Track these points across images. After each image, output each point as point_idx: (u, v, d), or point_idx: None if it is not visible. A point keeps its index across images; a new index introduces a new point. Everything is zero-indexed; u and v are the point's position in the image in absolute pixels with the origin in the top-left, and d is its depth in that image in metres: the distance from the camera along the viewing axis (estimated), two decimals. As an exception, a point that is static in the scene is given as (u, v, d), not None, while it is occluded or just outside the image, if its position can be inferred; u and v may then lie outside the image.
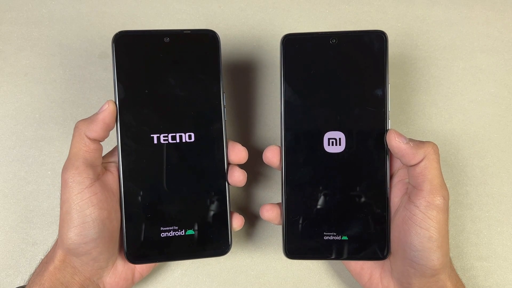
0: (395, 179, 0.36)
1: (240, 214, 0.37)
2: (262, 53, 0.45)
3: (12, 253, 0.42)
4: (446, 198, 0.32)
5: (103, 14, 0.45)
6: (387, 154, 0.35)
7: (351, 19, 0.45)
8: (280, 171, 0.36)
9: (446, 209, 0.32)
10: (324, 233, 0.36)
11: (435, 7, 0.46)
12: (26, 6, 0.45)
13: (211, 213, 0.36)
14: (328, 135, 0.35)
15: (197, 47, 0.35)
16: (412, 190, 0.33)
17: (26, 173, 0.43)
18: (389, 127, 0.35)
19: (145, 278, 0.41)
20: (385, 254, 0.36)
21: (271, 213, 0.36)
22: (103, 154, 0.37)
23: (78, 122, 0.34)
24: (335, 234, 0.36)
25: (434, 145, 0.33)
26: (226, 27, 0.45)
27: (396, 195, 0.35)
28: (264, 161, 0.36)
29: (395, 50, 0.45)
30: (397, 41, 0.45)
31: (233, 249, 0.42)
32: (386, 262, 0.36)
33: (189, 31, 0.35)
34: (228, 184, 0.36)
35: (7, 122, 0.43)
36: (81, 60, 0.44)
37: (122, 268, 0.36)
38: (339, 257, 0.36)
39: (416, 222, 0.32)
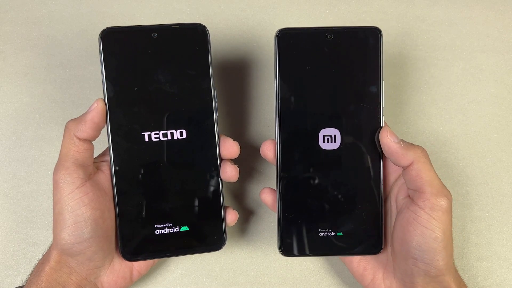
0: (400, 181, 0.36)
1: (234, 209, 0.37)
2: (262, 53, 0.45)
3: (12, 253, 0.42)
4: (449, 198, 0.33)
5: (103, 14, 0.45)
6: (381, 150, 0.35)
7: (351, 19, 0.45)
8: (275, 167, 0.36)
9: (450, 210, 0.33)
10: (319, 229, 0.36)
11: (435, 7, 0.46)
12: (26, 6, 0.45)
13: (205, 208, 0.36)
14: (324, 132, 0.35)
15: (186, 42, 0.35)
16: (414, 193, 0.33)
17: (26, 173, 0.43)
18: (383, 124, 0.35)
19: (145, 278, 0.41)
20: (379, 248, 0.36)
21: (267, 196, 0.37)
22: (98, 153, 0.37)
23: (68, 122, 0.34)
24: (330, 230, 0.36)
25: (423, 149, 0.34)
26: (226, 27, 0.45)
27: (401, 195, 0.35)
28: (261, 154, 0.36)
29: (395, 50, 0.45)
30: (397, 41, 0.45)
31: (232, 248, 0.42)
32: (389, 262, 0.36)
33: (178, 26, 0.35)
34: (221, 179, 0.36)
35: (7, 122, 0.43)
36: (81, 60, 0.44)
37: (120, 267, 0.36)
38: (334, 253, 0.37)
39: (422, 223, 0.32)
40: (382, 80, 0.35)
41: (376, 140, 0.35)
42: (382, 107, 0.35)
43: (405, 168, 0.34)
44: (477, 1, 0.46)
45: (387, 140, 0.34)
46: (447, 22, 0.45)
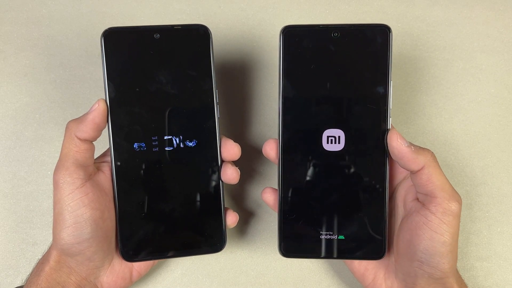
0: (407, 183, 0.35)
1: (235, 211, 0.37)
2: (262, 53, 0.45)
3: (12, 253, 0.42)
4: (460, 203, 0.32)
5: (103, 14, 0.45)
6: (387, 154, 0.34)
7: (351, 19, 0.45)
8: (277, 167, 0.36)
9: (460, 214, 0.32)
10: (321, 232, 0.35)
11: (435, 7, 0.46)
12: (26, 6, 0.45)
13: (205, 210, 0.36)
14: (327, 133, 0.34)
15: (188, 43, 0.35)
16: (425, 197, 0.33)
17: (26, 173, 0.43)
18: (390, 126, 0.34)
19: (145, 278, 0.41)
20: (381, 254, 0.35)
21: (269, 196, 0.36)
22: (99, 154, 0.37)
23: (68, 122, 0.34)
24: (331, 233, 0.35)
25: (432, 153, 0.33)
26: (226, 27, 0.45)
27: (409, 198, 0.35)
28: (263, 153, 0.36)
29: (395, 50, 0.45)
30: (397, 41, 0.45)
31: (232, 248, 0.42)
32: (391, 263, 0.36)
33: (180, 27, 0.35)
34: (222, 181, 0.36)
35: (7, 122, 0.43)
36: (81, 60, 0.44)
37: (119, 267, 0.36)
38: (335, 256, 0.36)
39: (432, 228, 0.32)
40: (390, 80, 0.34)
41: (385, 142, 0.34)
42: (390, 109, 0.34)
43: (414, 172, 0.33)
44: (477, 1, 0.46)
45: (397, 143, 0.33)
46: (447, 22, 0.45)
